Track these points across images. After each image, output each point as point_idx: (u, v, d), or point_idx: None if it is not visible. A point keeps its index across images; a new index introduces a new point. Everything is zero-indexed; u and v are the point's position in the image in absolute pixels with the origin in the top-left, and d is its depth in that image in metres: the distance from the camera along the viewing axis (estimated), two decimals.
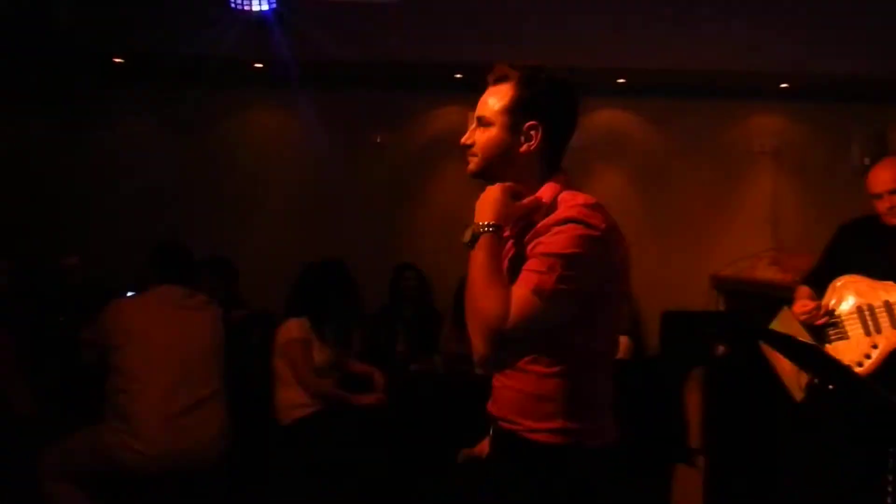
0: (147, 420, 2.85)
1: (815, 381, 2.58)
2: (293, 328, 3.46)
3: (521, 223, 1.66)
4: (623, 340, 3.58)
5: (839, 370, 2.15)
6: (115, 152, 5.48)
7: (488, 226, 1.59)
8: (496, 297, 1.50)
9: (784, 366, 2.73)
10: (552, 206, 1.61)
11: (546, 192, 1.64)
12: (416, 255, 5.18)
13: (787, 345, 2.28)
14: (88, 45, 5.02)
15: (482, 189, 1.71)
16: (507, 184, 1.66)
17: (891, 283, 2.59)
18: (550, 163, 1.67)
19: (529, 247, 1.59)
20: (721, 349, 3.77)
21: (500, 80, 1.67)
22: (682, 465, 3.50)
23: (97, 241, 5.10)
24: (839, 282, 2.70)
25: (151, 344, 2.96)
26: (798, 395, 2.69)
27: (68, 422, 3.07)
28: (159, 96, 5.46)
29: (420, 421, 3.59)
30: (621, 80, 5.40)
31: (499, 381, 1.71)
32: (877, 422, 2.25)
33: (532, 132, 1.64)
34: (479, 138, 1.67)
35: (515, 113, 1.64)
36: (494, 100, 1.66)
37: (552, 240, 1.54)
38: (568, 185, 1.66)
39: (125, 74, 5.42)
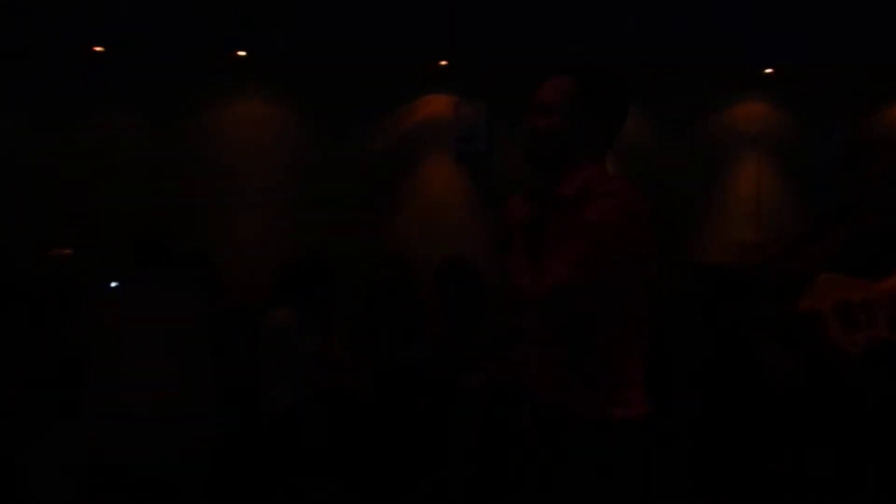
0: (131, 413, 2.82)
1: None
2: (278, 317, 3.46)
3: (553, 201, 1.75)
4: None
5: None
6: (92, 146, 5.41)
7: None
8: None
9: (832, 325, 2.64)
10: (585, 186, 1.70)
11: (582, 173, 1.73)
12: (399, 246, 5.16)
13: None
14: (66, 36, 4.95)
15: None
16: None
17: (868, 280, 2.58)
18: (600, 150, 1.79)
19: (564, 221, 1.68)
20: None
21: (562, 71, 1.79)
22: None
23: (75, 237, 5.04)
24: (820, 278, 2.69)
25: (135, 338, 2.93)
26: (853, 349, 2.59)
27: (47, 417, 3.04)
28: (138, 86, 5.40)
29: (407, 410, 3.59)
30: None
31: (533, 356, 1.77)
32: None
33: (591, 122, 1.75)
34: (540, 123, 1.77)
35: (577, 104, 1.75)
36: (557, 89, 1.77)
37: (588, 212, 1.62)
38: (605, 169, 1.78)
39: (103, 65, 5.35)
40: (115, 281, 3.46)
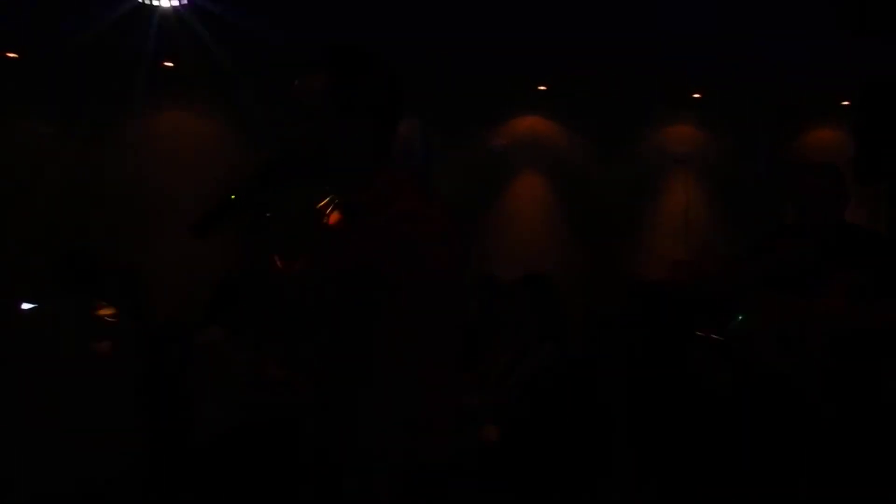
0: (48, 443, 2.63)
1: None
2: (210, 336, 3.30)
3: (342, 209, 1.54)
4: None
5: None
6: (13, 155, 5.10)
7: None
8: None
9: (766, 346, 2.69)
10: (381, 197, 1.48)
11: (371, 182, 1.50)
12: None
13: None
14: None
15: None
16: None
17: (804, 301, 2.65)
18: (381, 149, 1.53)
19: (362, 242, 1.45)
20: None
21: (314, 65, 1.52)
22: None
23: None
24: (757, 297, 2.75)
25: (52, 362, 2.74)
26: (787, 370, 2.65)
27: None
28: (62, 95, 5.13)
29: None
30: (542, 87, 5.46)
31: (320, 398, 1.53)
32: None
33: (357, 118, 1.50)
34: (303, 130, 1.51)
35: (336, 100, 1.49)
36: (311, 88, 1.50)
37: (391, 246, 1.40)
38: (399, 175, 1.53)
39: (23, 72, 5.06)
40: (30, 299, 3.25)
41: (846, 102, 5.56)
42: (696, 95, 5.57)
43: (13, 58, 5.01)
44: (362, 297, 1.41)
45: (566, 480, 3.28)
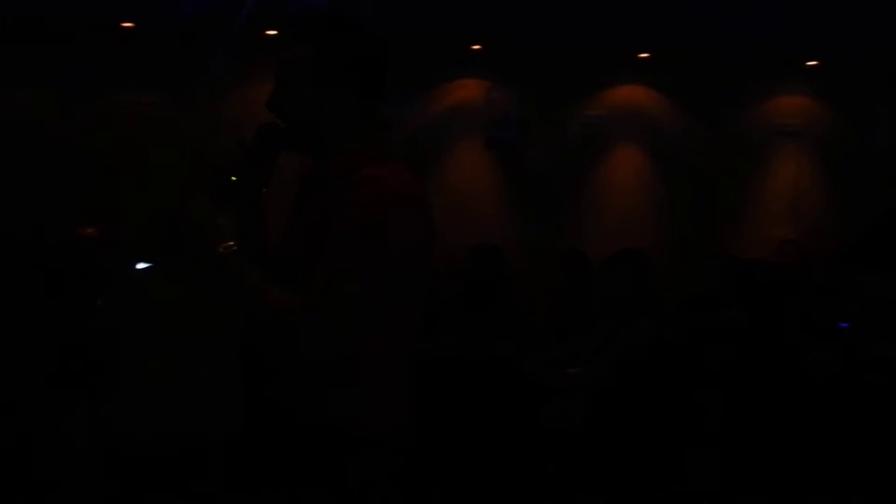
0: (158, 400, 2.78)
1: None
2: None
3: (315, 178, 1.55)
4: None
5: None
6: (122, 123, 5.35)
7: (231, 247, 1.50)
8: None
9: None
10: (351, 164, 1.46)
11: (347, 155, 1.50)
12: None
13: None
14: (96, 11, 4.89)
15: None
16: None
17: None
18: (364, 119, 1.53)
19: (325, 210, 1.46)
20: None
21: (296, 32, 1.51)
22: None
23: (103, 215, 4.99)
24: (872, 279, 2.58)
25: (164, 322, 2.87)
26: None
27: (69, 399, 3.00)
28: (168, 64, 5.33)
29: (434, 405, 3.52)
30: (644, 55, 5.26)
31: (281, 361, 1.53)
32: None
33: (340, 87, 1.49)
34: (283, 101, 1.51)
35: (320, 68, 1.48)
36: (291, 59, 1.49)
37: (345, 207, 1.40)
38: (382, 146, 1.53)
39: (133, 41, 5.28)
40: (144, 262, 3.41)
41: None
42: (812, 63, 5.22)
43: (129, 27, 5.22)
44: (316, 251, 1.41)
45: (657, 461, 3.21)
